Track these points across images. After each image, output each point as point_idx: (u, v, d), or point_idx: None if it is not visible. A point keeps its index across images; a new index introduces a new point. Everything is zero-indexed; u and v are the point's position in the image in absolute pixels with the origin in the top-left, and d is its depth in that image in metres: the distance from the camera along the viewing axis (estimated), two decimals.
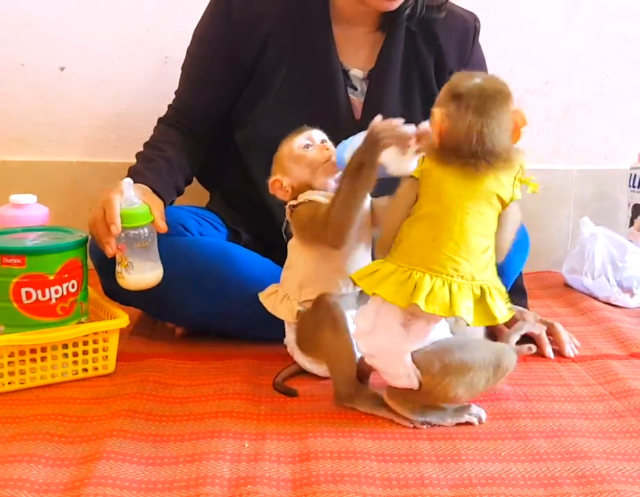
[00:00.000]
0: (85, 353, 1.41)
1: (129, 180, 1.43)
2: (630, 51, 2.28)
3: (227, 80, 1.66)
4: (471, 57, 1.73)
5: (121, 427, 1.21)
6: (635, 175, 2.15)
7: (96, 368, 1.43)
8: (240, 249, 1.59)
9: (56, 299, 1.38)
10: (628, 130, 2.33)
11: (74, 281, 1.41)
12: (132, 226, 1.40)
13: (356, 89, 1.68)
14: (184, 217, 1.58)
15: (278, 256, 1.48)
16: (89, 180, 2.15)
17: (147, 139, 1.70)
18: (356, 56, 1.68)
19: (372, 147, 1.23)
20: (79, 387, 1.38)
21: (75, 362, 1.41)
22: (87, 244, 1.46)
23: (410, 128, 1.24)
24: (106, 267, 1.47)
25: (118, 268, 1.42)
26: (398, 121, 1.24)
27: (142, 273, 1.42)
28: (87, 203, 2.11)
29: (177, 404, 1.32)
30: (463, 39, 1.72)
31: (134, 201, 1.41)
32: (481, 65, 1.75)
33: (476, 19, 1.75)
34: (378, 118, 1.25)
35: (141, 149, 1.66)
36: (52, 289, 1.38)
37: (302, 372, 1.42)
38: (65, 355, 1.39)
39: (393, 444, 1.19)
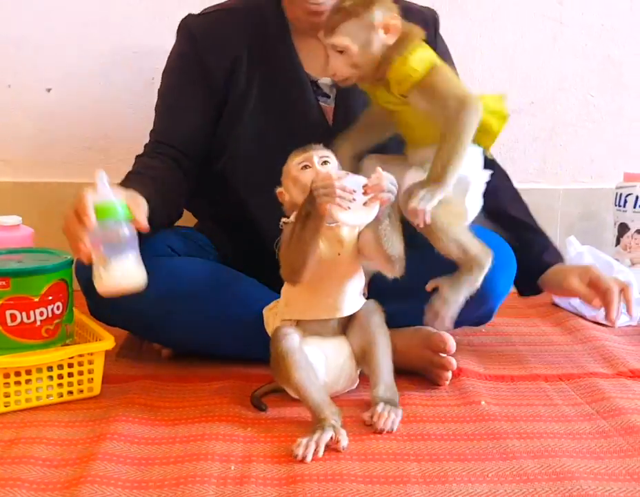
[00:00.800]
0: (70, 375, 1.40)
1: (102, 173, 1.27)
2: (615, 72, 2.30)
3: (206, 105, 1.65)
4: (435, 49, 1.71)
5: (105, 450, 1.20)
6: (621, 194, 2.16)
7: (82, 391, 1.42)
8: (227, 270, 1.59)
9: (41, 321, 1.38)
10: (613, 150, 2.35)
11: (59, 303, 1.40)
12: (107, 218, 1.24)
13: (328, 96, 1.69)
14: (171, 238, 1.58)
15: (267, 276, 1.47)
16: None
17: (134, 159, 1.67)
18: (322, 65, 1.68)
19: (313, 201, 1.22)
20: (64, 410, 1.37)
21: (60, 385, 1.40)
22: (74, 266, 1.46)
23: (353, 182, 1.23)
24: (93, 289, 1.46)
25: (95, 271, 1.27)
26: (338, 175, 1.23)
27: (121, 271, 1.26)
28: None
29: (163, 427, 1.31)
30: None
31: (110, 197, 1.27)
32: (445, 56, 1.70)
33: (434, 13, 1.75)
34: (323, 171, 1.26)
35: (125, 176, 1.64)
36: (37, 311, 1.37)
37: (282, 389, 1.41)
38: (50, 378, 1.38)
39: (380, 466, 1.19)
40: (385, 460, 1.20)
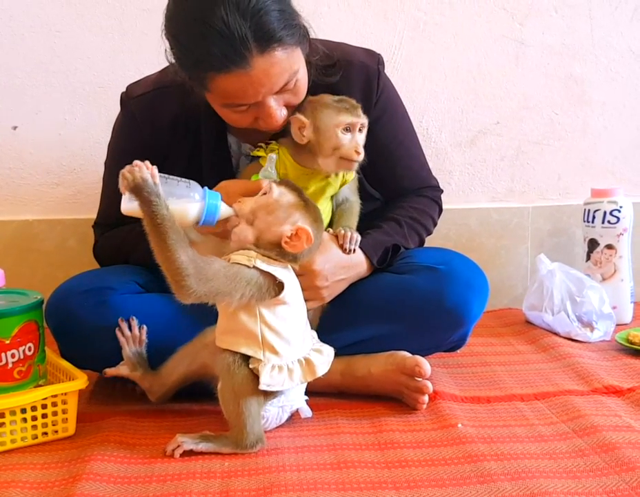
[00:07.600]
0: (44, 416, 1.39)
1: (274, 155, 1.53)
2: (577, 89, 2.33)
3: None
4: (378, 100, 1.67)
5: (82, 492, 1.19)
6: (589, 210, 2.17)
7: (56, 431, 1.40)
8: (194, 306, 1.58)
9: (13, 363, 1.36)
10: (580, 166, 2.37)
11: (30, 344, 1.39)
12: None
13: None
14: (139, 274, 1.57)
15: None
16: (45, 238, 2.14)
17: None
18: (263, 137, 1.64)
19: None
20: (40, 452, 1.36)
21: (34, 427, 1.38)
22: (43, 307, 1.45)
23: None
24: (63, 332, 1.45)
25: None
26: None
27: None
28: (44, 261, 2.12)
29: (140, 465, 1.30)
30: (366, 87, 1.65)
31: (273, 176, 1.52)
32: (388, 105, 1.70)
33: (378, 61, 1.68)
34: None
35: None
36: (9, 353, 1.36)
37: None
38: (24, 420, 1.37)
39: (358, 495, 1.18)
40: (363, 489, 1.20)
